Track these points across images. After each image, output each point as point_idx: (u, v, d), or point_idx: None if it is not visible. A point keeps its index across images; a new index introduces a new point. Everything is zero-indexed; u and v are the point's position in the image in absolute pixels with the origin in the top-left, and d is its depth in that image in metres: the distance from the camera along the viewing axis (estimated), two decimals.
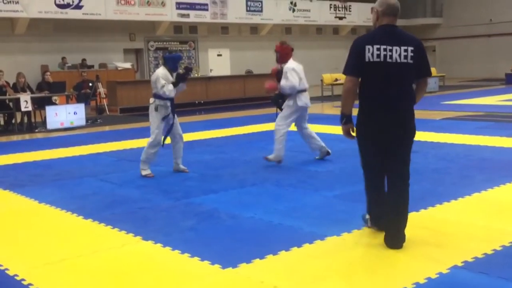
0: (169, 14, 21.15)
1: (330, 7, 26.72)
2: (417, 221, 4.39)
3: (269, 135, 9.91)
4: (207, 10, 22.23)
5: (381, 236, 4.02)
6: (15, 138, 11.19)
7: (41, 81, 13.88)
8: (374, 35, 3.88)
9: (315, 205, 5.08)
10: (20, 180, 6.62)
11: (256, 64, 22.88)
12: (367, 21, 28.10)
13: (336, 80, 19.57)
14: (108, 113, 15.11)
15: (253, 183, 6.05)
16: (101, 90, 15.10)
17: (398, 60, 3.79)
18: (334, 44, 27.76)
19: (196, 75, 19.87)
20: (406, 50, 3.80)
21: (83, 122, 12.50)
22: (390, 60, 3.79)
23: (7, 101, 12.28)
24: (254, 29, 24.99)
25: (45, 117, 12.17)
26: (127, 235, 4.34)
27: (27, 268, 3.71)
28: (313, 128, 10.49)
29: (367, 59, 3.79)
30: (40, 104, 12.54)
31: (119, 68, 19.69)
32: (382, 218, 4.03)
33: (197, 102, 16.89)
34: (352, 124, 3.97)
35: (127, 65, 20.28)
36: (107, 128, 12.40)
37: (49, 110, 12.07)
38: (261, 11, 24.02)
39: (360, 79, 3.91)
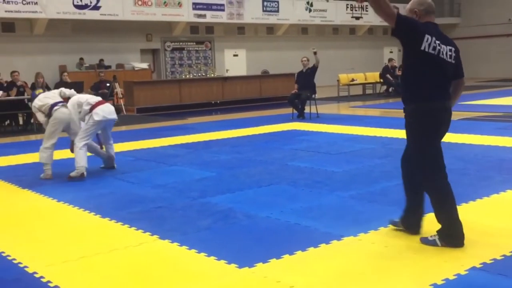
0: (186, 14, 21.24)
1: (347, 7, 26.62)
2: (434, 222, 4.35)
3: (285, 135, 9.93)
4: (223, 10, 22.29)
5: (399, 235, 4.00)
6: (33, 137, 11.31)
7: (59, 81, 14.02)
8: (430, 28, 3.71)
9: (331, 205, 5.07)
10: (39, 179, 6.69)
11: (272, 64, 22.88)
12: (384, 21, 27.96)
13: (353, 80, 19.50)
14: (125, 113, 15.21)
15: (269, 183, 6.05)
16: (118, 90, 15.21)
17: (447, 59, 3.75)
18: (351, 44, 27.68)
19: (212, 75, 19.96)
20: (451, 50, 3.79)
21: None
22: (442, 56, 3.71)
23: (25, 100, 12.43)
24: (271, 29, 24.99)
25: None
26: (144, 234, 4.37)
27: (46, 265, 3.75)
28: (329, 129, 10.51)
29: (423, 48, 3.63)
30: None
31: (136, 69, 19.81)
32: (461, 232, 3.83)
33: (213, 102, 16.94)
34: None
35: (144, 65, 20.40)
36: (123, 128, 12.48)
37: None
38: (278, 11, 24.02)
39: (407, 73, 3.80)
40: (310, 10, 25.18)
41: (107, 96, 14.47)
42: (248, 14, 22.99)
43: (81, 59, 19.21)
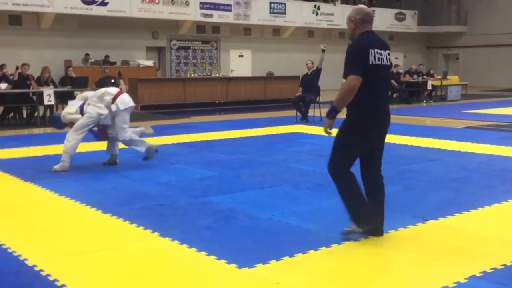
0: (193, 13, 21.27)
1: None
2: (435, 230, 4.36)
3: (289, 138, 9.93)
4: (230, 10, 22.31)
5: (400, 242, 4.00)
6: (36, 131, 11.34)
7: (64, 76, 14.05)
8: (369, 40, 4.03)
9: (333, 209, 5.05)
10: (41, 173, 6.70)
11: (277, 66, 22.90)
12: (390, 26, 27.98)
13: None
14: None
15: (271, 185, 6.05)
16: (123, 86, 15.21)
17: (387, 63, 4.06)
18: None
19: (217, 75, 19.97)
20: (389, 54, 4.11)
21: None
22: (384, 63, 4.03)
23: (30, 94, 12.45)
24: (277, 31, 25.00)
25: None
26: (145, 231, 4.37)
27: (46, 259, 3.76)
28: (332, 132, 10.49)
29: (370, 62, 3.93)
30: (62, 98, 12.67)
31: (141, 66, 19.84)
32: (373, 213, 4.11)
33: (217, 102, 16.95)
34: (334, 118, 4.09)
35: (149, 63, 20.43)
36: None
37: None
38: (284, 13, 24.04)
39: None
40: (317, 14, 25.20)
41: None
42: (255, 15, 23.01)
43: (87, 54, 19.24)
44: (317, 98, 12.80)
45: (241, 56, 24.34)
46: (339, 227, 4.45)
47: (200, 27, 22.71)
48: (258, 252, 3.86)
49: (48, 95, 12.02)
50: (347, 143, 4.09)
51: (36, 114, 12.56)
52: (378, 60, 3.96)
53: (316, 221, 4.64)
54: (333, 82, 21.51)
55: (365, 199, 4.12)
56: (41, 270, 3.55)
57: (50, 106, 12.54)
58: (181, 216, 4.82)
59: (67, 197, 5.46)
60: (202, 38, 23.12)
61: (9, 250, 3.93)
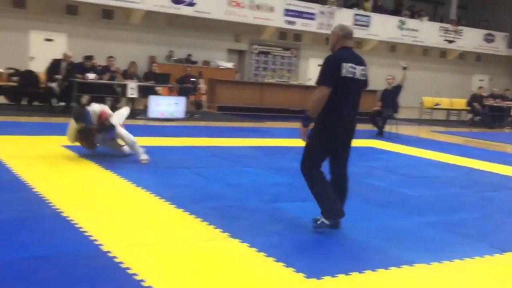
0: (276, 19, 21.40)
1: (440, 29, 25.90)
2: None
3: (362, 152, 9.78)
4: (314, 19, 22.28)
5: (467, 269, 3.85)
6: None
7: (147, 71, 14.52)
8: (344, 55, 4.57)
9: (405, 228, 4.94)
10: (120, 162, 6.95)
11: None
12: (478, 47, 27.00)
13: (437, 104, 18.93)
14: (206, 109, 15.53)
15: None
16: (202, 86, 15.54)
17: (360, 78, 4.57)
18: (439, 67, 26.88)
19: (294, 82, 19.98)
20: (363, 69, 4.61)
21: (182, 114, 12.92)
22: (356, 77, 4.53)
23: (115, 86, 12.95)
24: (358, 43, 24.71)
25: (147, 106, 12.71)
26: (215, 230, 4.43)
27: (120, 246, 3.88)
28: (408, 151, 10.26)
29: (342, 74, 4.44)
30: (144, 92, 13.11)
31: (220, 67, 20.17)
32: (338, 205, 4.58)
33: (292, 109, 16.95)
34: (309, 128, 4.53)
35: (229, 64, 20.73)
36: (203, 123, 12.75)
37: (152, 100, 12.60)
38: (368, 26, 23.74)
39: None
40: (401, 28, 24.70)
41: (191, 90, 14.82)
42: None
43: (171, 52, 19.78)
44: (395, 114, 12.55)
45: (320, 65, 24.21)
46: (410, 248, 4.34)
47: (282, 33, 22.82)
48: (326, 264, 3.83)
49: (132, 88, 12.46)
50: (315, 144, 4.57)
51: (118, 106, 13.03)
52: (350, 73, 4.47)
53: (386, 239, 4.55)
54: (412, 99, 21.00)
55: (333, 195, 4.56)
56: (114, 257, 3.67)
57: (132, 99, 12.98)
58: (252, 219, 4.85)
59: (143, 189, 5.62)
60: (283, 45, 23.22)
61: (86, 234, 4.10)
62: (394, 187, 6.76)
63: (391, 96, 12.49)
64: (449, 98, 20.14)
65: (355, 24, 23.42)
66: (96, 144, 7.09)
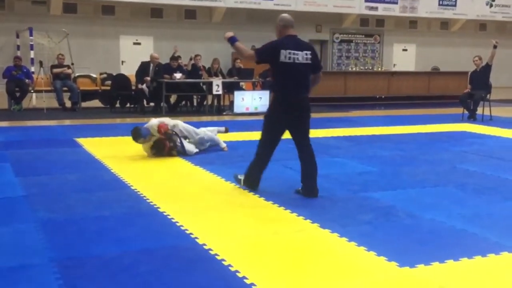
0: (357, 6, 21.05)
1: None
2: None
3: (454, 136, 9.45)
4: (396, 3, 21.70)
5: None
6: (204, 118, 12.09)
7: (231, 67, 14.77)
8: (285, 42, 5.08)
9: (504, 214, 4.74)
10: (210, 158, 7.16)
11: (443, 61, 21.83)
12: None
13: None
14: None
15: (434, 184, 5.83)
16: None
17: (303, 62, 5.06)
18: None
19: (379, 69, 19.58)
20: (306, 54, 5.09)
21: (266, 108, 13.03)
22: (298, 62, 5.04)
23: (201, 83, 13.30)
24: (445, 24, 23.80)
25: (232, 101, 12.95)
26: (305, 221, 4.47)
27: (215, 239, 3.99)
28: (504, 133, 9.78)
29: (281, 60, 4.99)
30: (229, 88, 13.37)
31: None
32: (258, 182, 5.37)
33: (377, 96, 16.64)
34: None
35: None
36: None
37: (237, 95, 12.82)
38: (455, 5, 22.77)
39: (273, 76, 5.21)
40: (491, 5, 23.49)
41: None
42: (422, 8, 22.11)
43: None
44: (487, 95, 11.99)
45: (405, 50, 23.58)
46: (510, 233, 4.17)
47: (363, 20, 22.41)
48: (420, 252, 3.76)
49: (217, 85, 12.75)
50: (267, 124, 5.24)
51: (205, 103, 13.39)
52: (290, 59, 5.01)
53: (484, 226, 4.38)
54: (507, 78, 19.99)
55: (259, 175, 5.37)
56: (210, 249, 3.80)
57: (218, 96, 13.27)
58: (341, 210, 4.85)
59: (232, 183, 5.76)
60: (365, 32, 22.80)
61: (182, 228, 4.27)
62: (490, 172, 6.49)
63: (480, 77, 11.95)
64: None
65: (440, 5, 22.57)
66: (173, 152, 7.29)
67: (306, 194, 5.24)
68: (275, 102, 5.21)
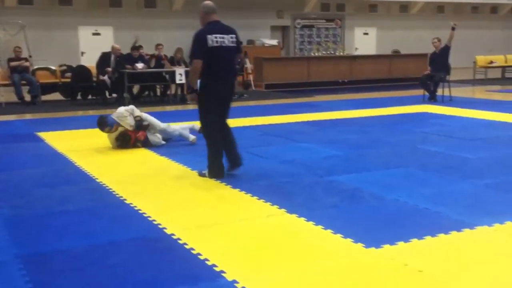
0: None
1: None
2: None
3: (415, 118, 9.64)
4: None
5: None
6: (168, 108, 12.00)
7: None
8: (209, 28, 5.31)
9: (464, 192, 4.88)
10: (176, 149, 7.12)
11: (403, 44, 22.13)
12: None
13: (492, 62, 18.31)
14: (253, 88, 15.59)
15: (397, 166, 5.94)
16: (248, 65, 15.58)
17: (229, 45, 5.35)
18: (491, 24, 25.92)
19: (341, 53, 19.73)
20: (232, 37, 5.39)
21: None
22: (225, 45, 5.30)
23: (163, 73, 13.18)
24: (404, 7, 24.10)
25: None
26: (272, 207, 4.51)
27: (183, 229, 4.01)
28: (463, 113, 10.02)
29: (209, 45, 5.20)
30: None
31: (265, 45, 20.13)
32: (222, 169, 5.47)
33: (340, 81, 16.79)
34: (196, 93, 5.37)
35: (274, 42, 20.65)
36: (252, 103, 12.81)
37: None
38: None
39: (205, 63, 5.21)
40: None
41: (238, 71, 14.88)
42: None
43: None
44: (447, 76, 12.24)
45: (366, 34, 23.81)
46: (471, 212, 4.30)
47: (324, 5, 22.51)
48: (385, 233, 3.84)
49: (180, 74, 12.65)
50: (202, 107, 5.41)
51: (168, 92, 13.29)
52: (217, 43, 5.23)
53: (446, 204, 4.50)
54: (465, 59, 20.40)
55: (221, 160, 5.46)
56: (178, 239, 3.81)
57: (181, 85, 13.17)
58: (307, 194, 4.90)
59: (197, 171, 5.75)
60: (327, 16, 22.91)
61: (150, 219, 4.26)
62: (450, 152, 6.65)
63: (440, 59, 12.17)
64: (504, 55, 19.42)
65: None
66: (138, 144, 7.20)
67: (234, 165, 5.55)
68: (209, 87, 5.33)
